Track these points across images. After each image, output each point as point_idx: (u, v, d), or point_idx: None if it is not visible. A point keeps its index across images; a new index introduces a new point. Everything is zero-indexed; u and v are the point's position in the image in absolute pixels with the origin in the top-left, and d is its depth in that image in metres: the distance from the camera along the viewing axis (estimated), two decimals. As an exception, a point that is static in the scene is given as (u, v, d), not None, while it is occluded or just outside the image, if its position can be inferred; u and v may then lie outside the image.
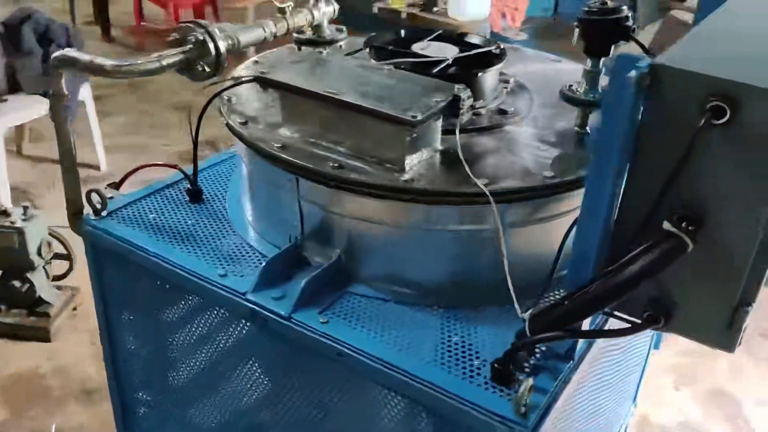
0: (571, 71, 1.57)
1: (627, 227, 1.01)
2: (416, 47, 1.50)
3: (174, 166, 1.58)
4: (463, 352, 1.17)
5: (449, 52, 1.48)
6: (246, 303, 1.26)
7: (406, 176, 1.18)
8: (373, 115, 1.16)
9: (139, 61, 1.28)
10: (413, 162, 1.21)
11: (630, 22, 1.26)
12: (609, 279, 0.99)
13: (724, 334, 1.01)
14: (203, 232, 1.45)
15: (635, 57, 0.93)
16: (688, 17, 6.55)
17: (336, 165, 1.21)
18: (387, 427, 1.21)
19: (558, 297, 1.11)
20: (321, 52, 1.60)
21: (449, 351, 1.17)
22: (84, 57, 1.28)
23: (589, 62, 1.31)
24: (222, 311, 1.35)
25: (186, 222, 1.48)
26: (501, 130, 1.34)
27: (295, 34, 1.60)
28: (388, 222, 1.24)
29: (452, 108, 1.21)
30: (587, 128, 1.36)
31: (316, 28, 1.60)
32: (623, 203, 1.01)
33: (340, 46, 1.65)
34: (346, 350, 1.17)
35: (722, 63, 0.92)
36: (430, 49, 1.49)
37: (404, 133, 1.17)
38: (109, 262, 1.48)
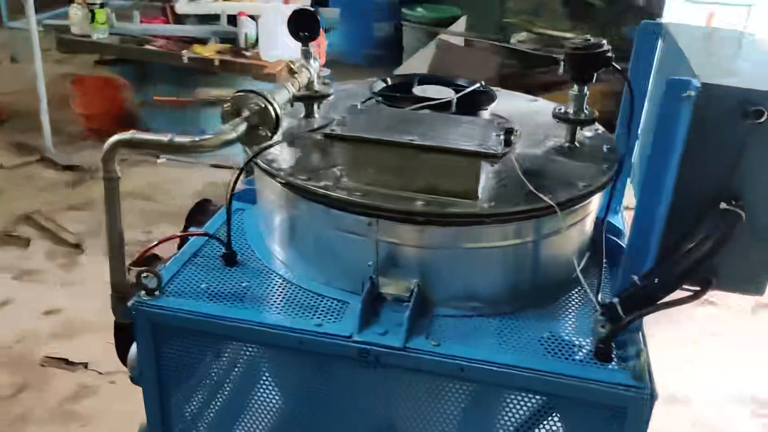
0: (545, 107, 1.84)
1: (682, 212, 1.29)
2: (416, 91, 1.67)
3: (206, 234, 1.57)
4: (559, 344, 1.37)
5: (446, 92, 1.68)
6: (354, 345, 1.33)
7: (482, 203, 1.36)
8: (457, 154, 1.33)
9: (212, 135, 1.30)
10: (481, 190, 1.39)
11: (610, 54, 1.56)
12: (691, 255, 1.25)
13: (756, 282, 1.34)
14: (265, 291, 1.47)
15: (686, 80, 1.22)
16: (458, 41, 7.41)
17: (422, 203, 1.35)
18: (511, 428, 1.36)
19: (638, 281, 1.33)
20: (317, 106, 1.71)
21: (549, 346, 1.36)
22: (157, 137, 1.27)
23: (576, 87, 1.59)
24: (319, 361, 1.40)
25: (240, 284, 1.49)
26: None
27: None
28: (464, 246, 1.40)
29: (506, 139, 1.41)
30: (576, 143, 1.65)
31: (309, 84, 1.70)
32: (677, 193, 1.29)
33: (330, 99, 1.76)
34: (466, 364, 1.31)
35: (745, 80, 1.24)
36: (429, 91, 1.67)
37: (480, 165, 1.35)
38: (171, 339, 1.44)
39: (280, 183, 1.44)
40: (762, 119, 1.18)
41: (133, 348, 1.53)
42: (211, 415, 1.55)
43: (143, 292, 1.42)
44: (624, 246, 1.62)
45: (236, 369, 1.49)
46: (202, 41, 5.58)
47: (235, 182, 1.47)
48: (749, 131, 1.19)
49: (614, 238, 1.65)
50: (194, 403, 1.53)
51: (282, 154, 1.53)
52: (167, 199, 5.31)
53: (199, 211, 2.01)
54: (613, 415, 1.28)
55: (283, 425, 1.52)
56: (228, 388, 1.51)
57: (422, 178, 1.38)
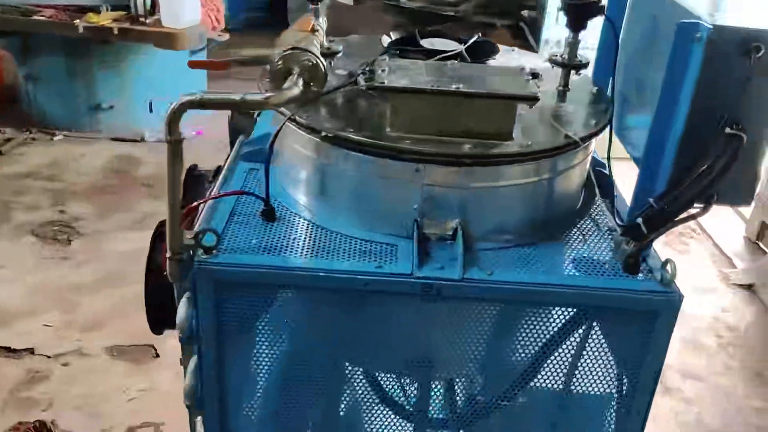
0: (525, 55, 1.99)
1: (692, 140, 1.49)
2: (425, 44, 1.77)
3: (245, 192, 1.60)
4: (589, 264, 1.54)
5: (452, 45, 1.78)
6: (417, 281, 1.44)
7: (519, 143, 1.50)
8: (502, 99, 1.45)
9: (277, 93, 1.34)
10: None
11: (602, 4, 1.73)
12: (703, 177, 1.45)
13: (748, 195, 1.58)
14: (315, 242, 1.53)
15: (696, 23, 1.40)
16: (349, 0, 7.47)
17: (469, 146, 1.46)
18: (559, 342, 1.53)
19: (655, 203, 1.52)
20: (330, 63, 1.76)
21: (582, 266, 1.53)
22: (228, 96, 1.29)
23: (571, 35, 1.75)
24: (383, 299, 1.49)
25: (289, 237, 1.54)
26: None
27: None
28: (503, 184, 1.53)
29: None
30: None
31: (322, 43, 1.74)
32: (688, 124, 1.48)
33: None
34: (520, 288, 1.46)
35: (746, 20, 1.44)
36: (436, 44, 1.77)
37: (517, 108, 1.48)
38: (234, 295, 1.47)
39: (326, 138, 1.49)
40: (760, 54, 1.39)
41: (182, 310, 1.54)
42: (270, 370, 1.60)
43: (201, 251, 1.44)
44: (612, 179, 1.83)
45: (295, 320, 1.55)
46: (94, 9, 5.31)
47: (273, 141, 1.51)
48: (751, 65, 1.39)
49: (604, 171, 1.85)
50: (252, 360, 1.58)
51: (314, 110, 1.58)
52: (74, 176, 5.07)
53: (193, 178, 2.01)
54: (645, 320, 1.47)
55: (343, 368, 1.60)
56: (287, 341, 1.57)
57: (463, 123, 1.49)
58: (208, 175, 2.06)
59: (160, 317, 1.73)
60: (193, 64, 1.73)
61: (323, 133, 1.50)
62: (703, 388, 3.31)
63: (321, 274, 1.44)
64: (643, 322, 1.48)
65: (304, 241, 1.54)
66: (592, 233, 1.66)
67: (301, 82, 1.38)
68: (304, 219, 1.61)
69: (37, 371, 3.18)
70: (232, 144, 2.16)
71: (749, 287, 4.27)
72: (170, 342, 3.49)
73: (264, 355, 1.58)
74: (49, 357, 3.27)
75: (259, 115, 2.13)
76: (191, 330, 1.55)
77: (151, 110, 5.52)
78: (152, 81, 5.48)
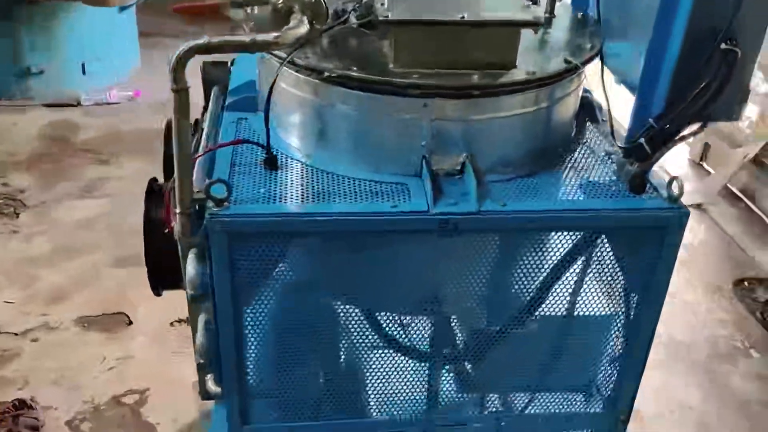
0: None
1: (689, 57, 1.51)
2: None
3: (246, 141, 1.54)
4: (596, 188, 1.56)
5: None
6: (434, 217, 1.43)
7: (524, 71, 1.49)
8: (509, 26, 1.43)
9: (283, 32, 1.28)
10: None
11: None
12: (702, 94, 1.48)
13: (738, 109, 1.62)
14: (325, 187, 1.50)
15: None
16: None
17: (477, 77, 1.44)
18: (568, 267, 1.56)
19: (655, 123, 1.54)
20: None
21: (589, 191, 1.55)
22: (238, 38, 1.23)
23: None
24: (398, 238, 1.48)
25: (297, 184, 1.50)
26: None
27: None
28: (509, 114, 1.53)
29: (532, 9, 1.53)
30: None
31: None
32: (685, 41, 1.50)
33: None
34: (535, 216, 1.47)
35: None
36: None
37: (519, 35, 1.46)
38: (248, 247, 1.43)
39: (329, 78, 1.45)
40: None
41: (191, 267, 1.50)
42: (286, 320, 1.58)
43: (212, 204, 1.39)
44: (600, 104, 1.85)
45: (311, 267, 1.52)
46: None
47: (273, 86, 1.45)
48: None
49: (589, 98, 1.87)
50: (268, 311, 1.55)
51: (309, 51, 1.52)
52: (10, 147, 4.80)
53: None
54: (654, 237, 1.51)
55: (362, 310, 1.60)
56: (302, 289, 1.54)
57: (468, 53, 1.46)
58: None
59: (163, 277, 1.68)
60: (181, 9, 1.62)
61: (326, 74, 1.45)
62: (669, 304, 3.45)
63: (338, 218, 1.41)
64: (652, 239, 1.52)
65: (313, 186, 1.51)
66: (590, 158, 1.68)
67: (305, 20, 1.32)
68: (307, 165, 1.57)
69: (5, 350, 3.05)
70: (206, 96, 2.08)
71: (698, 206, 4.44)
72: (142, 308, 3.42)
73: (280, 305, 1.56)
74: (16, 334, 3.15)
75: (233, 64, 2.05)
76: (203, 287, 1.51)
77: (84, 72, 5.24)
78: (84, 41, 5.19)
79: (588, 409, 1.81)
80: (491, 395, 1.86)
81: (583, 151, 1.71)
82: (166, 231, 1.57)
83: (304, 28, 1.31)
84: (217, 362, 1.64)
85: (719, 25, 1.46)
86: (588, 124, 1.82)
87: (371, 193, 1.49)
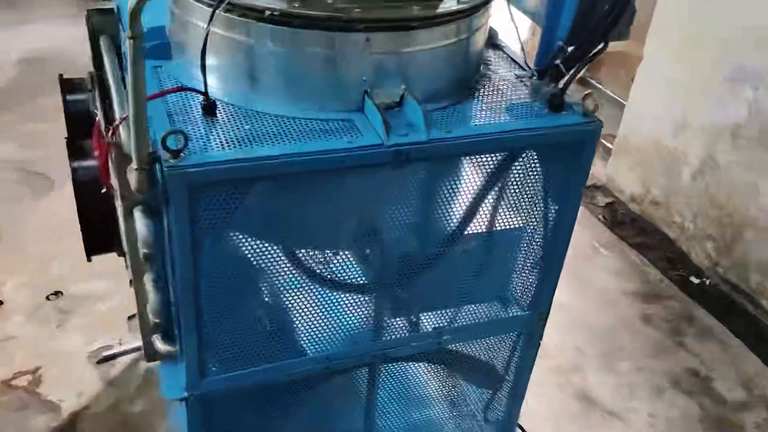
0: None
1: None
2: None
3: (187, 89, 1.47)
4: (519, 109, 1.68)
5: None
6: (389, 149, 1.48)
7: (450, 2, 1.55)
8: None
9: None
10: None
11: None
12: (608, 14, 1.63)
13: (627, 31, 1.80)
14: (272, 129, 1.48)
15: None
16: None
17: (417, 8, 1.48)
18: (501, 184, 1.68)
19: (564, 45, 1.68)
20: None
21: (514, 112, 1.67)
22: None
23: None
24: (352, 173, 1.50)
25: (243, 128, 1.47)
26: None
27: None
28: (441, 44, 1.58)
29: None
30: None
31: None
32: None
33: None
34: (478, 140, 1.56)
35: None
36: None
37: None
38: (208, 197, 1.39)
39: (269, 18, 1.41)
40: None
41: (142, 225, 1.44)
42: (245, 270, 1.56)
43: (169, 156, 1.33)
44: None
45: (269, 211, 1.51)
46: None
47: (207, 33, 1.40)
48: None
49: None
50: (228, 262, 1.52)
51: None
52: None
53: (69, 86, 1.81)
54: (575, 148, 1.67)
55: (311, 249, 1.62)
56: (261, 235, 1.53)
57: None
58: (84, 84, 1.85)
59: (98, 241, 1.59)
60: None
61: (267, 13, 1.41)
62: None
63: (297, 158, 1.41)
64: (573, 150, 1.68)
65: (261, 129, 1.48)
66: (505, 83, 1.79)
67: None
68: (246, 109, 1.54)
69: None
70: (93, 47, 1.94)
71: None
72: (9, 285, 3.14)
73: (234, 252, 1.54)
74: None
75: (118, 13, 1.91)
76: (155, 244, 1.46)
77: None
78: None
79: (515, 313, 1.99)
80: (429, 314, 1.97)
81: (497, 78, 1.82)
82: (104, 191, 1.49)
83: None
84: (170, 319, 1.60)
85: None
86: (492, 53, 1.92)
87: (321, 132, 1.50)
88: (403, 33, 1.50)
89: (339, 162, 1.46)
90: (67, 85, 1.82)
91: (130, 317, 2.86)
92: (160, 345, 1.68)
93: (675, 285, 3.73)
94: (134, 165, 1.32)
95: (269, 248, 1.58)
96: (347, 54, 1.49)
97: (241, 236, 1.53)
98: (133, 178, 1.34)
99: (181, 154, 1.35)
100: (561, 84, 1.68)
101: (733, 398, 3.12)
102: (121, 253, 1.68)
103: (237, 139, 1.44)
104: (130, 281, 1.61)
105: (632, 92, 4.23)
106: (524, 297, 1.98)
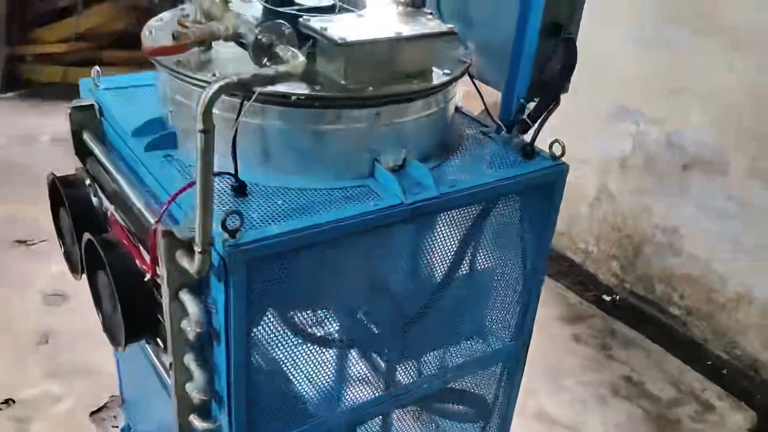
0: None
1: (543, 48, 1.94)
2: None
3: (220, 173, 1.56)
4: (499, 159, 1.92)
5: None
6: (408, 207, 1.65)
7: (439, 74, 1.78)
8: (432, 37, 1.70)
9: (291, 65, 1.39)
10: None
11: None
12: (560, 72, 1.93)
13: (568, 84, 2.11)
14: (303, 202, 1.60)
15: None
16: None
17: (416, 83, 1.69)
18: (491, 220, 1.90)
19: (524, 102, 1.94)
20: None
21: (495, 166, 1.90)
22: (263, 72, 1.31)
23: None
24: (377, 233, 1.66)
25: (276, 204, 1.58)
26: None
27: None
28: (430, 112, 1.79)
29: (429, 22, 1.82)
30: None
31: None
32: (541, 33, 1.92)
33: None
34: (477, 191, 1.77)
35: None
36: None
37: (438, 45, 1.74)
38: (265, 271, 1.49)
39: (296, 102, 1.56)
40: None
41: (193, 306, 1.51)
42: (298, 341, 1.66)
43: (226, 236, 1.43)
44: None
45: (313, 277, 1.62)
46: None
47: (239, 114, 1.52)
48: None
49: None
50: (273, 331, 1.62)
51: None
52: None
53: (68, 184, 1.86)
54: (547, 189, 1.93)
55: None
56: (306, 300, 1.64)
57: (404, 65, 1.69)
58: (79, 179, 1.90)
59: (140, 326, 1.62)
60: (154, 52, 1.52)
61: (293, 98, 1.56)
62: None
63: (337, 224, 1.55)
64: (546, 191, 1.94)
65: (292, 203, 1.60)
66: (476, 140, 2.03)
67: (293, 49, 1.43)
68: (271, 188, 1.65)
69: None
70: (76, 144, 1.98)
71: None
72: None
73: (283, 320, 1.63)
74: None
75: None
76: (207, 323, 1.53)
77: None
78: None
79: (505, 343, 2.19)
80: (433, 355, 2.13)
81: (469, 136, 2.04)
82: (148, 278, 1.55)
83: (302, 57, 1.42)
84: (217, 395, 1.65)
85: (561, 19, 1.91)
86: (456, 115, 2.15)
87: (345, 198, 1.64)
88: (405, 105, 1.70)
89: (371, 223, 1.61)
90: (65, 184, 1.85)
91: (93, 413, 2.77)
92: (198, 423, 1.72)
93: (593, 305, 4.12)
94: (198, 248, 1.40)
95: (311, 313, 1.69)
96: (361, 127, 1.67)
97: (286, 305, 1.63)
98: (196, 260, 1.41)
99: (238, 233, 1.45)
100: (530, 134, 1.95)
101: (666, 397, 3.48)
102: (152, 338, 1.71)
103: (276, 213, 1.56)
104: (170, 364, 1.64)
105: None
106: (512, 327, 2.19)
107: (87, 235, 1.70)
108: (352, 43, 1.58)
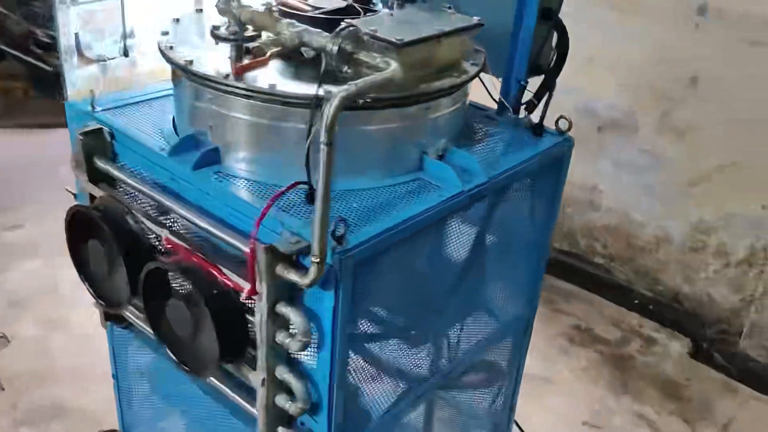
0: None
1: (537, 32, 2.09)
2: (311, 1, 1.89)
3: (299, 183, 1.57)
4: (517, 140, 2.05)
5: (338, 3, 1.94)
6: (467, 193, 1.74)
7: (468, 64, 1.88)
8: (466, 30, 1.79)
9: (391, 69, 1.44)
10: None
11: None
12: (560, 58, 2.09)
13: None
14: (375, 202, 1.66)
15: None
16: None
17: (455, 75, 1.78)
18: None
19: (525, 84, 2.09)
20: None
21: (514, 143, 2.03)
22: (382, 76, 1.35)
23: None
24: (445, 221, 1.75)
25: (352, 205, 1.63)
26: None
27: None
28: (460, 102, 1.89)
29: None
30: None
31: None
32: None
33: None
34: (513, 171, 1.90)
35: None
36: (323, 2, 1.91)
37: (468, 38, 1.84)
38: (366, 269, 1.54)
39: (362, 104, 1.58)
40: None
41: (298, 317, 1.52)
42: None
43: (335, 243, 1.45)
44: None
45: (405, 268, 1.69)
46: None
47: (310, 127, 1.53)
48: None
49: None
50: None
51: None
52: None
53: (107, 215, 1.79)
54: (558, 161, 2.09)
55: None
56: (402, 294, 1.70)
57: (442, 59, 1.76)
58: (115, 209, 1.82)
59: (235, 347, 1.60)
60: (243, 69, 1.44)
61: (361, 102, 1.58)
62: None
63: (424, 215, 1.62)
64: (556, 165, 2.10)
65: (366, 203, 1.64)
66: (486, 123, 2.15)
67: (378, 56, 1.48)
68: (336, 190, 1.67)
69: None
70: (90, 169, 1.88)
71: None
72: None
73: (378, 320, 1.68)
74: None
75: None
76: (310, 331, 1.55)
77: None
78: None
79: (521, 311, 2.35)
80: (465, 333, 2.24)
81: (475, 119, 2.16)
82: (246, 298, 1.54)
83: (395, 63, 1.46)
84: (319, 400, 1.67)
85: (552, 5, 2.07)
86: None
87: (410, 192, 1.71)
88: (446, 98, 1.79)
89: (445, 212, 1.70)
90: (103, 214, 1.76)
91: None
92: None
93: (527, 266, 4.41)
94: (315, 259, 1.41)
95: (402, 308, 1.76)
96: (414, 123, 1.74)
97: (378, 301, 1.68)
98: (312, 271, 1.42)
99: (344, 239, 1.48)
100: (538, 114, 2.10)
101: (613, 338, 3.84)
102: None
103: (357, 216, 1.60)
104: (262, 380, 1.63)
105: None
106: (527, 294, 2.35)
107: (153, 264, 1.64)
108: (409, 42, 1.64)
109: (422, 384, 2.01)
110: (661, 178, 3.95)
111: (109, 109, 1.99)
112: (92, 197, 1.91)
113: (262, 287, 1.51)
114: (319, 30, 1.57)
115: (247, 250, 1.52)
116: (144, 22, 6.33)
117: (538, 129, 2.08)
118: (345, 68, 1.51)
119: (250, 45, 1.49)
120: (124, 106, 2.03)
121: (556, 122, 2.10)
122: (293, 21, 1.60)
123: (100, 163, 1.87)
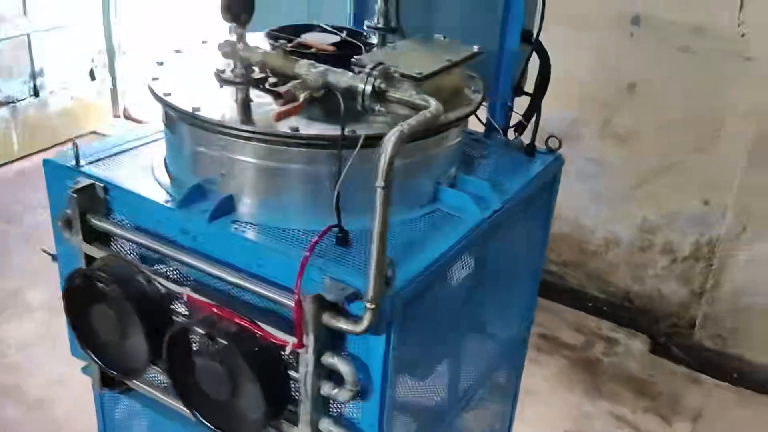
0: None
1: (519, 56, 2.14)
2: (305, 37, 1.84)
3: (333, 226, 1.51)
4: (513, 161, 2.07)
5: (327, 36, 1.90)
6: (486, 219, 1.75)
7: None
8: (471, 58, 1.79)
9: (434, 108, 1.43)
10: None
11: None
12: (543, 82, 2.13)
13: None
14: (405, 237, 1.63)
15: None
16: None
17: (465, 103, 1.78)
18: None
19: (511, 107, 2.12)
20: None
21: (512, 165, 2.05)
22: (428, 113, 1.35)
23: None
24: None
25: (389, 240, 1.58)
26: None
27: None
28: (463, 131, 1.90)
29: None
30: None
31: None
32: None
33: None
34: (519, 194, 1.92)
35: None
36: (316, 37, 1.86)
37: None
38: (415, 307, 1.51)
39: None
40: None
41: (346, 366, 1.46)
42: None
43: (386, 285, 1.41)
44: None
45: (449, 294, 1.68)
46: None
47: (339, 172, 1.49)
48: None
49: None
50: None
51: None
52: None
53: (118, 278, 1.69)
54: (551, 178, 2.13)
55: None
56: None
57: (448, 90, 1.75)
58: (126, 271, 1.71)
59: (280, 403, 1.52)
60: (283, 115, 1.34)
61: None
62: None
63: (451, 251, 1.60)
64: (550, 182, 2.14)
65: (395, 240, 1.60)
66: (477, 146, 2.15)
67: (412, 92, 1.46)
68: (357, 229, 1.62)
69: None
70: (84, 226, 1.75)
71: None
72: None
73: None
74: None
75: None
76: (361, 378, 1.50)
77: None
78: None
79: (521, 324, 2.37)
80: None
81: (469, 146, 2.16)
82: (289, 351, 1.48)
83: (434, 100, 1.44)
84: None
85: (530, 26, 2.12)
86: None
87: (434, 226, 1.69)
88: (460, 126, 1.79)
89: (472, 242, 1.69)
90: (113, 277, 1.64)
91: None
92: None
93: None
94: (370, 305, 1.37)
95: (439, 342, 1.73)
96: (433, 153, 1.73)
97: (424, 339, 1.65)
98: (366, 318, 1.37)
99: (391, 282, 1.44)
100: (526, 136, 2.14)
101: (577, 342, 3.93)
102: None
103: (391, 253, 1.56)
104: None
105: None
106: (525, 309, 2.38)
107: (179, 326, 1.54)
108: (429, 75, 1.62)
109: (451, 412, 1.98)
110: (606, 183, 4.10)
111: (95, 161, 1.87)
112: (88, 258, 1.78)
113: (309, 339, 1.45)
114: (342, 69, 1.53)
115: (286, 301, 1.46)
116: (52, 60, 6.05)
117: (531, 150, 2.11)
118: (378, 107, 1.48)
119: (281, 89, 1.42)
120: (109, 157, 1.91)
121: (546, 141, 2.14)
122: (313, 62, 1.55)
123: (95, 221, 1.75)
